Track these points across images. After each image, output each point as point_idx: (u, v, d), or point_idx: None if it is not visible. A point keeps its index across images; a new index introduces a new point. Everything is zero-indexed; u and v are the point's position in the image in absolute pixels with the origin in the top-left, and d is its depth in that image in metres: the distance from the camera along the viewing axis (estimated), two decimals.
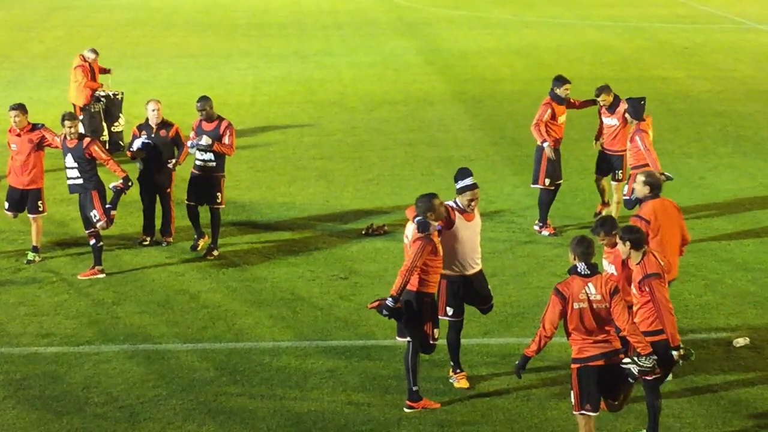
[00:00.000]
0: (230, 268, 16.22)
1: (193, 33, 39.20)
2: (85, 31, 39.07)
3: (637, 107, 16.81)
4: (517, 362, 10.86)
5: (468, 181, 12.34)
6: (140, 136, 16.84)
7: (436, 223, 11.89)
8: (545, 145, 17.42)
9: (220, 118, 16.60)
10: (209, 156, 16.48)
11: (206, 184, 16.57)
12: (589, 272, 10.55)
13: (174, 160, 16.85)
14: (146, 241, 17.16)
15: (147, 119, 16.97)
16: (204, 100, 16.61)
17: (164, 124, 16.93)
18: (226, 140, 16.43)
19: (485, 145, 23.25)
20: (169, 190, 17.06)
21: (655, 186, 12.87)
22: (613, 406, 10.93)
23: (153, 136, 16.82)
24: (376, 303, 11.76)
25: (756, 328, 14.07)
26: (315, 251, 16.94)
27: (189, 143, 16.49)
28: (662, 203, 12.90)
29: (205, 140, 16.29)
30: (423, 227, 11.73)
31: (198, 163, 16.59)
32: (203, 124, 16.53)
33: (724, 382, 12.61)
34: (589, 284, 10.51)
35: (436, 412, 11.97)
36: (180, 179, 17.74)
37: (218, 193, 16.59)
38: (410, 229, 12.06)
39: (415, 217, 11.87)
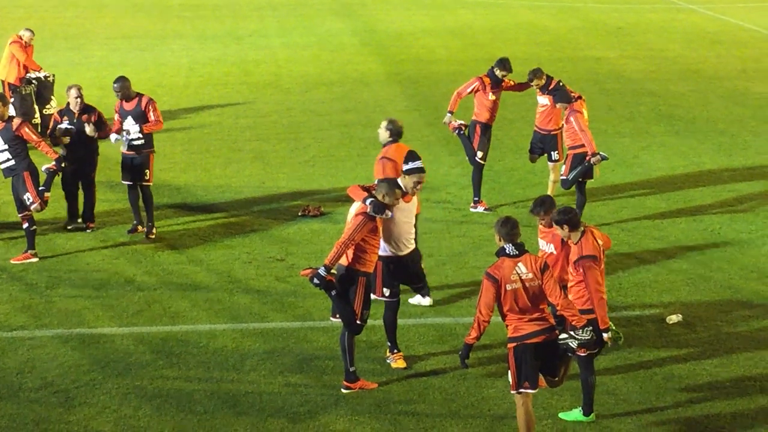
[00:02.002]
0: (166, 251, 16.11)
1: (126, 14, 38.79)
2: (14, 12, 38.48)
3: (561, 93, 16.95)
4: (460, 353, 10.84)
5: (418, 163, 12.54)
6: (62, 122, 16.64)
7: (389, 212, 11.89)
8: (448, 115, 17.67)
9: (140, 95, 16.50)
10: (136, 134, 16.39)
11: (136, 162, 16.46)
12: (517, 252, 10.60)
13: (94, 130, 16.49)
14: (70, 226, 16.96)
15: (68, 104, 16.76)
16: (120, 80, 16.53)
17: (86, 109, 16.74)
18: (151, 116, 16.36)
19: (421, 126, 23.27)
20: (92, 175, 16.90)
21: (395, 132, 13.98)
22: (553, 382, 10.97)
23: (75, 121, 16.63)
24: (308, 271, 11.71)
25: (688, 305, 14.25)
26: (251, 233, 16.88)
27: (111, 137, 16.40)
28: (401, 146, 13.80)
29: (125, 135, 16.27)
30: (379, 209, 11.71)
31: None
32: (123, 104, 16.44)
33: (657, 359, 12.77)
34: (519, 264, 10.56)
35: (373, 393, 12.00)
36: (112, 162, 17.57)
37: (146, 170, 16.48)
38: (354, 208, 12.05)
39: (367, 198, 11.83)
